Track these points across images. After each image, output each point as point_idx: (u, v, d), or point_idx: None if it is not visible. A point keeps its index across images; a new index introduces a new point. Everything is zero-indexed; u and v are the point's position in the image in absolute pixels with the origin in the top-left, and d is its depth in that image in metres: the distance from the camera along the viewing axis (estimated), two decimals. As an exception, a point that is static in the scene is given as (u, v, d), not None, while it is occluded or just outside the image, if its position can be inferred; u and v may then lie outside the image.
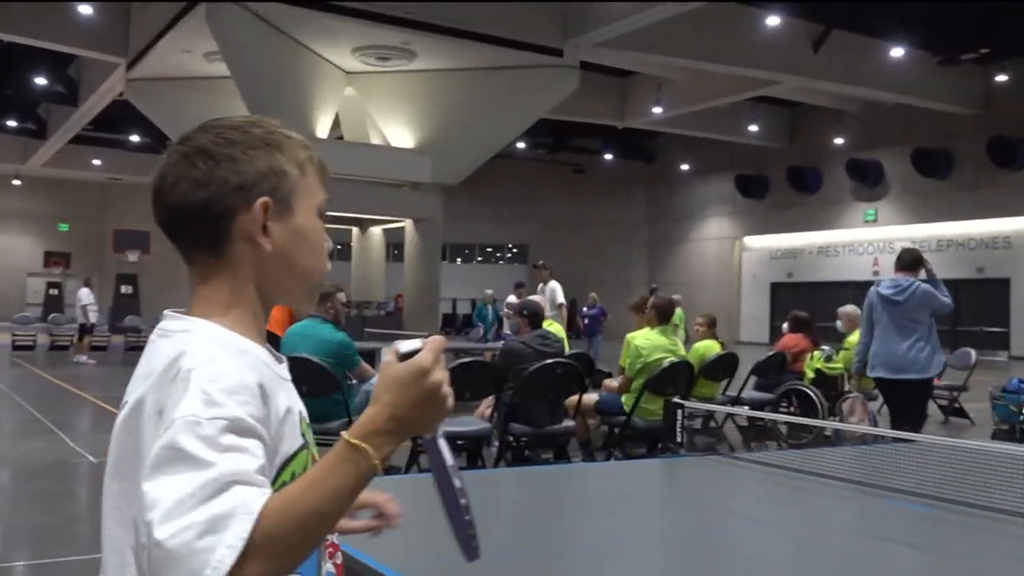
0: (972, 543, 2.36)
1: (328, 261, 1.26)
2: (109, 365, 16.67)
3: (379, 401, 1.03)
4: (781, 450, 7.61)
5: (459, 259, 36.54)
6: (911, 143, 24.47)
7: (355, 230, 24.33)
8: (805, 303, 24.40)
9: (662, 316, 7.07)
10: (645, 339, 6.94)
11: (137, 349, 18.68)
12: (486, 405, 7.25)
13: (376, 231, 24.23)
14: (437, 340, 1.05)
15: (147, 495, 0.95)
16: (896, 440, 3.77)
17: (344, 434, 1.02)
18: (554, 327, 8.06)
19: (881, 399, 7.64)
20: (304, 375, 6.01)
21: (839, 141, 26.30)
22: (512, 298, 15.87)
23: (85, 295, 17.38)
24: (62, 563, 4.70)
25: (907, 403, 6.38)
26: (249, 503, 0.94)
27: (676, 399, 3.45)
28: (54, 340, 19.53)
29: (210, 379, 1.02)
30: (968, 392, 11.23)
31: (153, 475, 0.96)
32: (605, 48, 19.65)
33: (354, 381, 6.35)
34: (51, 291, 35.49)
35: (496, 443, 6.67)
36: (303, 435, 1.16)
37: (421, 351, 1.03)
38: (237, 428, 0.99)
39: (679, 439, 3.31)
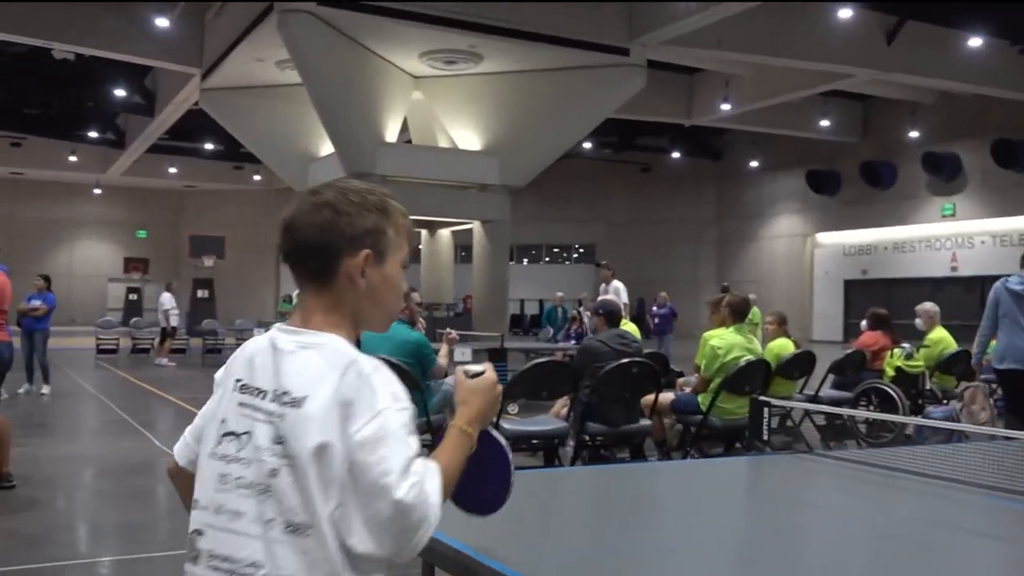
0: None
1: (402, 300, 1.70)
2: (189, 368, 17.11)
3: (467, 403, 1.64)
4: (862, 449, 7.49)
5: (526, 260, 36.63)
6: (990, 135, 23.78)
7: (424, 232, 24.55)
8: (880, 300, 23.87)
9: (737, 314, 7.01)
10: (721, 338, 6.89)
11: (215, 352, 19.19)
12: (561, 404, 7.28)
13: (445, 233, 24.42)
14: (490, 366, 1.68)
15: (376, 464, 1.38)
16: (1007, 438, 3.68)
17: (456, 423, 1.62)
18: (629, 327, 8.06)
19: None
20: (383, 375, 6.11)
21: (914, 134, 25.69)
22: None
23: (167, 299, 17.88)
24: (146, 559, 4.85)
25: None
26: (430, 467, 1.45)
27: (762, 397, 3.43)
28: (136, 343, 20.10)
29: (388, 381, 1.48)
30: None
31: (375, 449, 1.39)
32: (672, 46, 19.51)
33: (431, 381, 6.43)
34: (131, 296, 36.57)
35: (571, 442, 6.70)
36: None
37: (486, 371, 1.67)
38: (410, 418, 1.47)
39: (765, 437, 3.29)
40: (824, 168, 28.88)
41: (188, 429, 1.64)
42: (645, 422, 6.57)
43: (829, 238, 29.90)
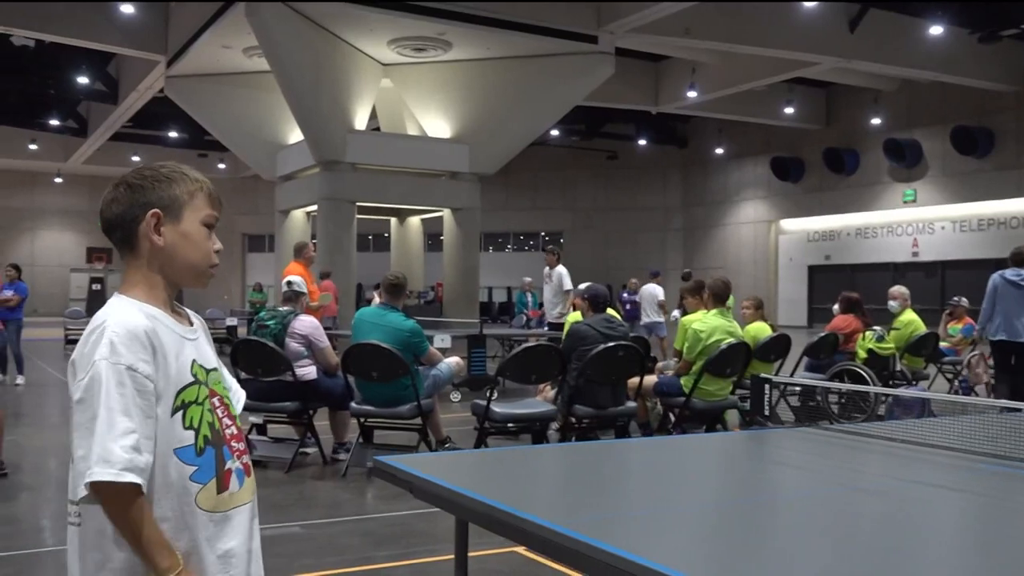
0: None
1: (214, 256, 1.82)
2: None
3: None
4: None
5: (491, 247, 36.70)
6: (950, 122, 24.25)
7: (393, 220, 24.54)
8: (843, 285, 24.28)
9: (719, 298, 7.17)
10: (704, 322, 7.04)
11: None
12: (548, 387, 7.40)
13: (414, 221, 24.43)
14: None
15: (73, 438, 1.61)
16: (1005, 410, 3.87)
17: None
18: (576, 316, 8.09)
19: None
20: (375, 360, 6.20)
21: (876, 121, 26.10)
22: (652, 286, 16.19)
23: None
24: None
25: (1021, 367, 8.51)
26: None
27: (764, 375, 3.56)
28: (104, 334, 19.89)
29: (121, 332, 1.63)
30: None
31: (80, 412, 1.62)
32: (639, 33, 19.65)
33: (422, 367, 6.52)
34: (94, 286, 36.11)
35: (555, 425, 6.82)
36: (195, 375, 1.72)
37: None
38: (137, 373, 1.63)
39: (767, 412, 3.42)
40: (788, 155, 29.26)
41: None
42: (630, 404, 6.72)
43: (793, 224, 30.32)
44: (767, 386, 3.41)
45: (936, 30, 20.18)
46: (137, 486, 1.58)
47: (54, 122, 29.95)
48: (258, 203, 34.33)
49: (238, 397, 1.89)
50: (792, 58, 21.22)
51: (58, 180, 35.58)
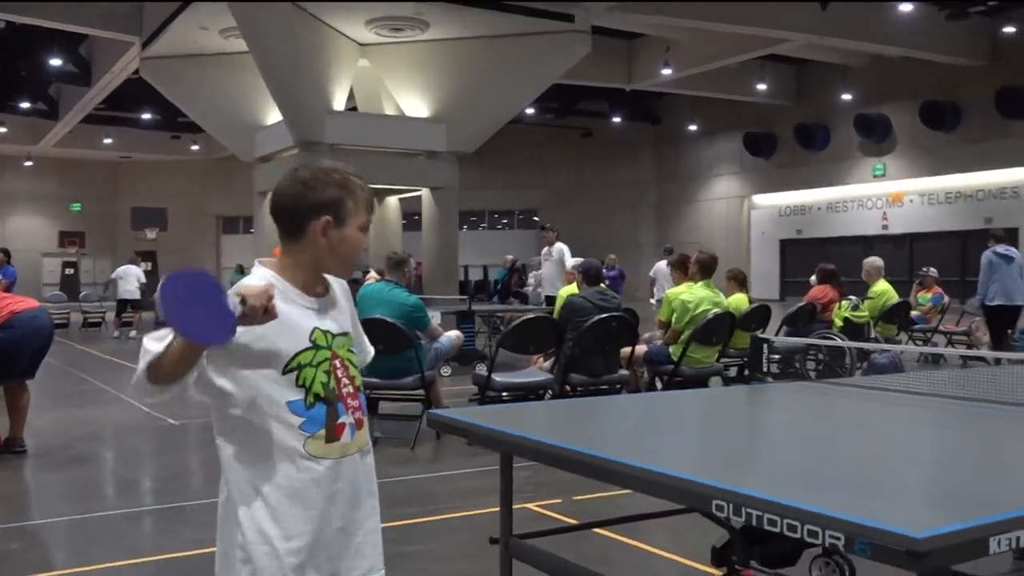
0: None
1: (362, 254, 2.15)
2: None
3: None
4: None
5: (465, 227, 36.87)
6: (918, 97, 24.70)
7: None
8: (815, 259, 24.69)
9: (706, 270, 7.49)
10: (691, 293, 7.36)
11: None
12: (540, 358, 7.70)
13: (392, 200, 24.54)
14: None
15: None
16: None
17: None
18: (569, 289, 8.41)
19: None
20: (380, 334, 6.43)
21: (846, 97, 26.51)
22: (665, 263, 16.40)
23: (138, 272, 18.04)
24: (179, 507, 5.14)
25: (1008, 324, 10.28)
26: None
27: (760, 334, 3.87)
28: (87, 317, 19.93)
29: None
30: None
31: None
32: (614, 11, 19.87)
33: (424, 340, 6.78)
34: (67, 271, 35.89)
35: (549, 394, 7.12)
36: (313, 341, 2.01)
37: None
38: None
39: (765, 369, 3.73)
40: (760, 131, 29.63)
41: None
42: (623, 372, 7.03)
43: (765, 199, 30.75)
44: (765, 345, 3.71)
45: (905, 7, 20.55)
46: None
47: (24, 104, 29.66)
48: (233, 185, 34.21)
49: (363, 358, 2.22)
50: (764, 35, 21.54)
51: (28, 164, 35.25)
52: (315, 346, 2.02)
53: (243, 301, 1.86)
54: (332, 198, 2.02)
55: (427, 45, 21.10)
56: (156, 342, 1.85)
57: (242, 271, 23.74)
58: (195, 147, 34.20)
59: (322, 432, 2.00)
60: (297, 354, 2.00)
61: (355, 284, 21.86)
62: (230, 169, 33.65)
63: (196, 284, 1.83)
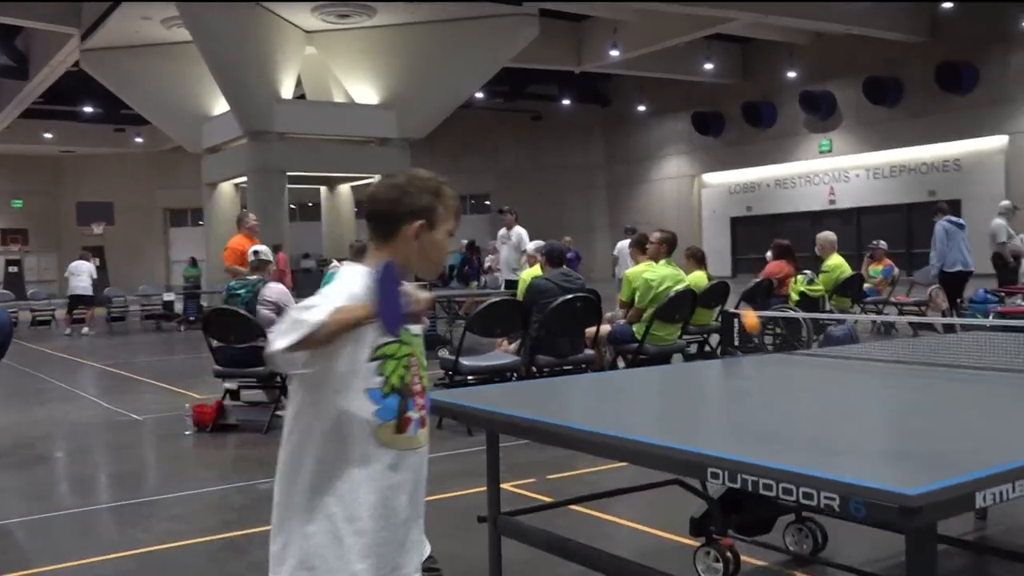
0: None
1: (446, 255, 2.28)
2: (100, 336, 16.88)
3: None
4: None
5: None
6: (861, 73, 25.09)
7: (323, 189, 24.48)
8: (765, 236, 25.01)
9: (670, 248, 7.58)
10: (653, 271, 7.44)
11: (120, 320, 18.88)
12: (505, 341, 7.74)
13: (344, 189, 24.40)
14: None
15: None
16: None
17: None
18: (532, 272, 8.45)
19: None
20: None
21: (791, 74, 26.84)
22: (627, 242, 16.42)
23: (90, 268, 17.70)
24: (143, 503, 5.11)
25: (962, 288, 11.01)
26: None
27: (730, 310, 3.95)
28: (36, 315, 19.55)
29: (340, 283, 2.07)
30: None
31: None
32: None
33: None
34: (10, 268, 35.08)
35: (515, 376, 7.17)
36: (400, 337, 2.09)
37: None
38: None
39: (736, 343, 3.82)
40: (708, 110, 29.89)
41: None
42: (588, 352, 7.10)
43: (715, 178, 31.06)
44: (736, 320, 3.79)
45: (847, -16, 20.86)
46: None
47: (-41, 101, 28.85)
48: (179, 177, 33.67)
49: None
50: (710, 14, 21.72)
51: (-36, 161, 34.34)
52: (400, 341, 2.13)
53: (414, 302, 2.08)
54: (426, 204, 2.16)
55: (374, 31, 20.95)
56: (314, 314, 1.95)
57: (195, 264, 23.42)
58: (139, 140, 33.59)
59: (392, 422, 2.10)
60: (384, 344, 2.10)
61: (308, 273, 21.57)
62: (176, 161, 33.10)
63: (395, 279, 2.03)
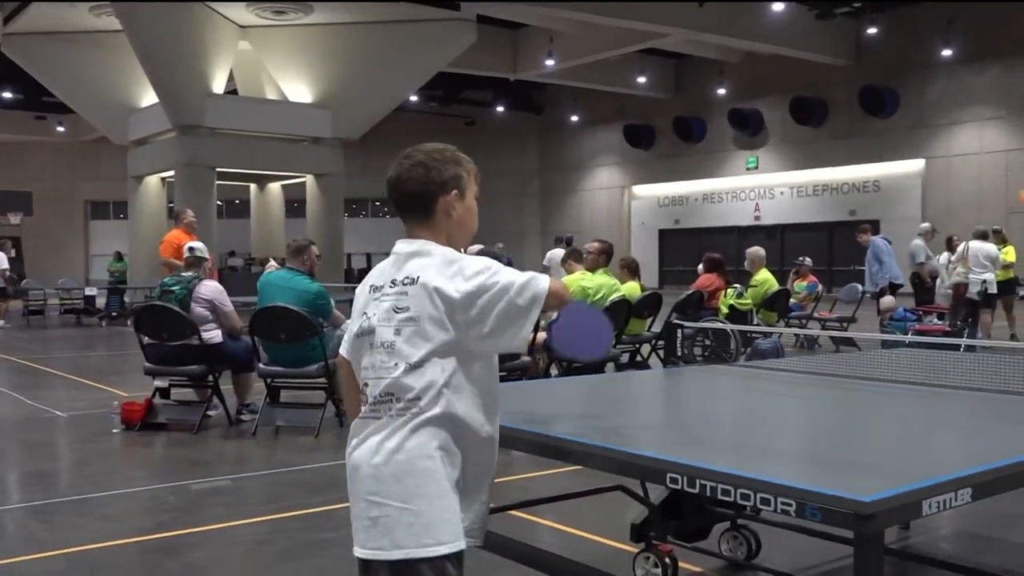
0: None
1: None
2: (17, 329, 16.33)
3: None
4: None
5: (346, 214, 36.40)
6: (788, 93, 25.79)
7: (253, 187, 24.13)
8: (692, 249, 25.53)
9: (609, 258, 7.68)
10: (591, 280, 7.53)
11: (38, 313, 18.23)
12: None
13: (275, 187, 24.09)
14: None
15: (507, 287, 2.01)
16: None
17: None
18: None
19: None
20: (282, 322, 6.38)
21: (721, 91, 27.44)
22: (559, 251, 16.53)
23: (2, 258, 17.01)
24: (53, 504, 4.98)
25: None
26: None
27: (675, 320, 4.03)
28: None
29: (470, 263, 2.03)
30: (856, 323, 12.37)
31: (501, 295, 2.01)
32: (498, 1, 19.99)
33: (327, 328, 6.72)
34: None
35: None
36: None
37: None
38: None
39: (679, 353, 3.90)
40: (640, 123, 30.36)
41: (346, 335, 2.19)
42: (525, 358, 7.14)
43: (645, 190, 31.53)
44: (679, 331, 3.88)
45: (778, 6, 21.43)
46: None
47: None
48: (102, 168, 32.81)
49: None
50: (644, 29, 22.08)
51: None
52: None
53: None
54: (453, 174, 2.12)
55: (310, 29, 20.77)
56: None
57: (121, 258, 22.83)
58: (61, 128, 32.64)
59: None
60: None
61: (234, 271, 21.16)
62: (99, 152, 32.25)
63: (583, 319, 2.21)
